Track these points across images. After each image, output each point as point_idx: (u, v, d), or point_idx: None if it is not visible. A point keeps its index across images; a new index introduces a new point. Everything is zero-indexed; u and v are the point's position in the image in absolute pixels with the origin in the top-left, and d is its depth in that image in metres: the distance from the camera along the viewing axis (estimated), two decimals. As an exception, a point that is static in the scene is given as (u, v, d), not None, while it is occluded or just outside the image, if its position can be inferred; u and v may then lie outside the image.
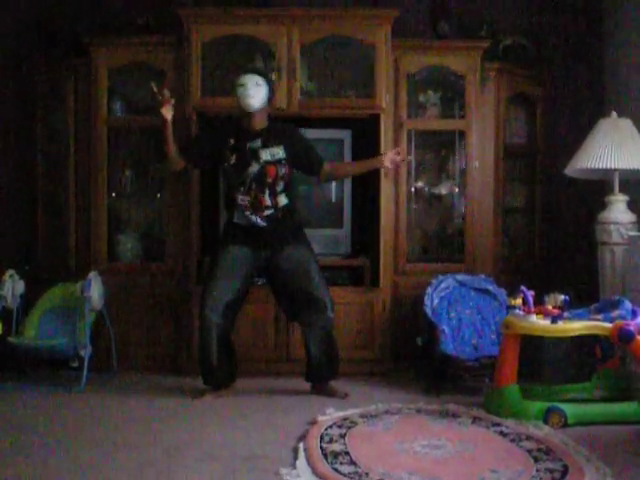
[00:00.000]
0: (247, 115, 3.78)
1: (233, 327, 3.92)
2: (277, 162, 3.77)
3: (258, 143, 3.77)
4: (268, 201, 3.75)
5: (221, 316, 3.78)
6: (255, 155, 3.76)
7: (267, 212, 3.76)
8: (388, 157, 3.91)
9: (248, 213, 3.75)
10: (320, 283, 3.84)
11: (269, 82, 3.79)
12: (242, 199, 3.75)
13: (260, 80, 3.72)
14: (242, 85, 3.71)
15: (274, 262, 3.83)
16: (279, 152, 3.78)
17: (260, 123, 3.80)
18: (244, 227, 3.79)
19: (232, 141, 3.79)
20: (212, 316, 3.76)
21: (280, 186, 3.78)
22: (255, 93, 3.70)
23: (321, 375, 3.94)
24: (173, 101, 3.76)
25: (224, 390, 3.89)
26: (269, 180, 3.75)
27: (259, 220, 3.75)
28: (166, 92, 3.74)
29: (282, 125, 3.92)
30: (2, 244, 4.69)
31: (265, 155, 3.76)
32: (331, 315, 3.85)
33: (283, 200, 3.79)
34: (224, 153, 3.79)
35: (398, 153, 3.92)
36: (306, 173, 3.96)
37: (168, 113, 3.73)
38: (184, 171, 4.15)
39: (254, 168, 3.75)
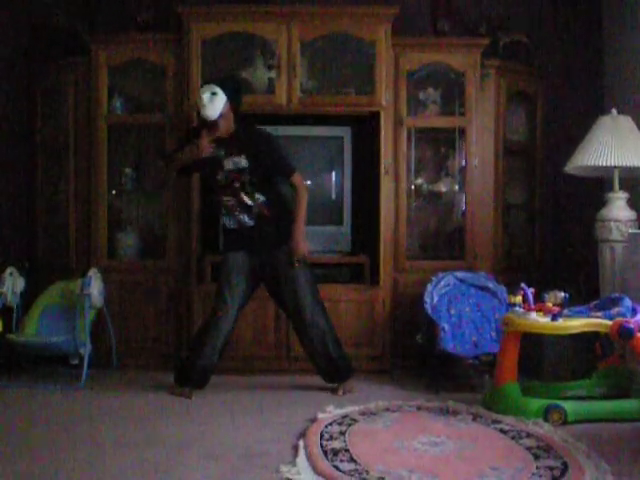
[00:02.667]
0: (211, 124, 3.79)
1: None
2: (240, 171, 3.80)
3: (222, 152, 3.82)
4: (248, 200, 3.80)
5: (232, 322, 3.84)
6: (219, 164, 3.82)
7: (254, 210, 3.81)
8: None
9: (237, 213, 3.82)
10: (306, 289, 3.84)
11: (228, 89, 3.77)
12: (227, 200, 3.82)
13: (216, 89, 3.73)
14: (199, 97, 3.75)
15: (266, 268, 3.87)
16: (241, 161, 3.81)
17: (225, 131, 3.81)
18: (236, 229, 3.86)
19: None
20: (224, 324, 3.81)
21: (249, 188, 3.81)
22: (209, 103, 3.72)
23: (340, 376, 3.93)
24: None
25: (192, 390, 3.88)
26: (237, 185, 3.80)
27: (247, 219, 3.82)
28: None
29: (248, 133, 3.87)
30: (2, 242, 4.69)
31: (228, 164, 3.81)
32: (316, 319, 3.84)
33: (260, 198, 3.82)
34: (198, 163, 3.87)
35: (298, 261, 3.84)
36: (271, 180, 3.92)
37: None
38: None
39: (221, 176, 3.82)
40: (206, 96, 3.72)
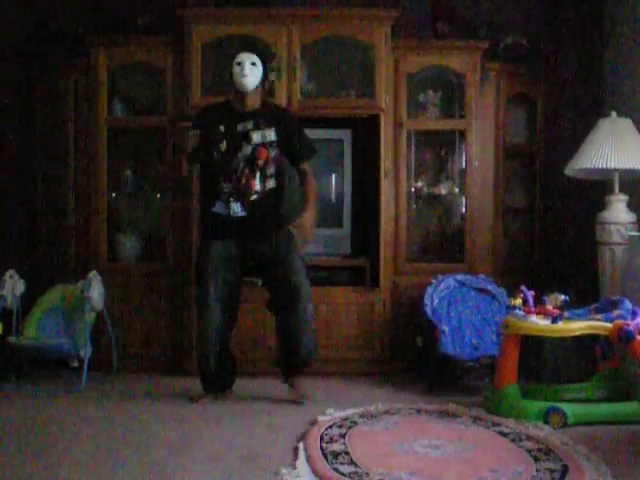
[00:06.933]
0: (240, 96, 3.71)
1: (233, 327, 3.85)
2: (268, 144, 3.69)
3: (250, 125, 3.70)
4: (258, 185, 3.66)
5: (220, 314, 3.69)
6: (246, 137, 3.68)
7: (252, 197, 3.65)
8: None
9: (232, 200, 3.66)
10: (300, 271, 3.73)
11: (264, 62, 3.70)
12: (230, 186, 3.66)
13: (256, 59, 3.66)
14: (239, 64, 3.64)
15: (258, 249, 3.72)
16: (270, 134, 3.70)
17: (253, 105, 3.73)
18: (223, 218, 3.69)
19: (222, 128, 3.70)
20: (212, 315, 3.66)
21: (271, 169, 3.69)
22: (250, 72, 3.63)
23: (298, 367, 3.83)
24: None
25: (221, 394, 3.83)
26: (260, 162, 3.66)
27: (240, 209, 3.66)
28: None
29: (275, 107, 3.84)
30: (2, 244, 4.69)
31: (256, 137, 3.68)
32: (308, 305, 3.72)
33: (271, 184, 3.70)
34: (214, 142, 3.69)
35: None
36: (289, 160, 3.78)
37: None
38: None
39: (246, 151, 3.67)
40: (248, 65, 3.62)
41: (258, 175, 3.67)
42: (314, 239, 3.82)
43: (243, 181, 3.66)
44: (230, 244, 3.71)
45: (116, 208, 4.69)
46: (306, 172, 3.82)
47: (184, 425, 3.35)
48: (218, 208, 3.71)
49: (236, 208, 3.68)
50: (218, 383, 3.84)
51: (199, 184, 3.99)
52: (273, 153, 3.70)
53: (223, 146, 3.68)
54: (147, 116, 4.60)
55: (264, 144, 3.69)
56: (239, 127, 3.70)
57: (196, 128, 3.77)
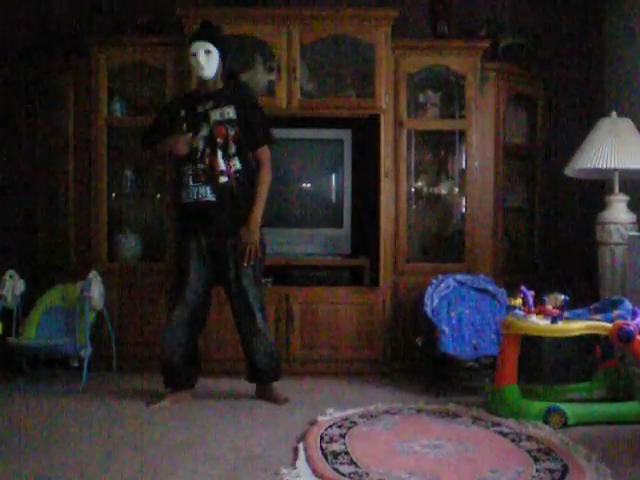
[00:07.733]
0: (201, 81, 3.75)
1: (203, 328, 3.87)
2: (227, 122, 3.67)
3: (209, 105, 3.70)
4: (222, 165, 3.63)
5: (191, 315, 3.72)
6: (205, 117, 3.68)
7: (222, 180, 3.63)
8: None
9: (199, 184, 3.63)
10: (253, 283, 3.70)
11: (220, 45, 3.69)
12: (195, 169, 3.64)
13: (210, 46, 3.66)
14: (194, 55, 3.66)
15: (222, 251, 3.69)
16: (229, 112, 3.68)
17: (214, 86, 3.74)
18: (194, 207, 3.66)
19: (183, 112, 3.72)
20: (182, 315, 3.70)
21: (232, 148, 3.66)
22: (206, 62, 3.65)
23: (261, 377, 3.84)
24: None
25: (183, 393, 3.80)
26: (219, 141, 3.65)
27: (209, 192, 3.63)
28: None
29: (238, 85, 3.82)
30: (2, 244, 4.69)
31: (215, 115, 3.67)
32: (259, 318, 3.72)
33: (236, 164, 3.67)
34: (175, 127, 3.71)
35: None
36: (247, 145, 3.72)
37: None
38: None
39: (205, 131, 3.67)
40: (202, 54, 3.64)
41: (220, 154, 3.66)
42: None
43: (207, 161, 3.66)
44: (202, 241, 3.69)
45: (116, 208, 4.69)
46: (262, 162, 3.74)
47: (184, 425, 3.35)
48: (186, 197, 3.69)
49: (204, 192, 3.64)
50: (181, 379, 3.79)
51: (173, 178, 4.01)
52: (233, 131, 3.67)
53: (183, 129, 3.70)
54: (147, 116, 4.59)
55: (222, 122, 3.67)
56: (199, 108, 3.71)
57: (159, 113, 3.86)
